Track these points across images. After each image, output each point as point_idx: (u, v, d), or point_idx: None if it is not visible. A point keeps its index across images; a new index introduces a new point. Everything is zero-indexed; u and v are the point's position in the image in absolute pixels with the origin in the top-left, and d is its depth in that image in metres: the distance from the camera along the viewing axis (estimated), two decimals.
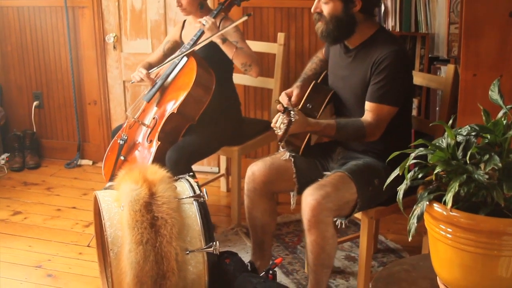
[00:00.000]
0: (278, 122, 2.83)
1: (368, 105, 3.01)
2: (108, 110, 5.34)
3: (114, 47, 5.15)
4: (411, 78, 3.13)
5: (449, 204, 1.65)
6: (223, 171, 4.80)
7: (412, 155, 1.81)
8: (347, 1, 2.98)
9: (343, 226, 3.10)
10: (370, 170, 3.03)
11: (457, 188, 1.65)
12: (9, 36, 5.42)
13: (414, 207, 1.77)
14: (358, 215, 3.15)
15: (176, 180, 3.19)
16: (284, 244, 3.92)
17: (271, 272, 3.11)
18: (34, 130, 5.53)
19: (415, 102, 4.01)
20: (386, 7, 4.02)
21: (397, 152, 1.92)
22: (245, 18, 3.64)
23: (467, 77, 2.78)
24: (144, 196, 2.88)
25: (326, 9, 3.02)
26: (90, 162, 5.44)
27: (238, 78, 4.30)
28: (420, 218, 1.75)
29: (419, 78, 3.43)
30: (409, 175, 1.82)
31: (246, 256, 3.57)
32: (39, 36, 5.35)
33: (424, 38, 4.02)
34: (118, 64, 5.19)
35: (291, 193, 3.24)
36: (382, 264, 3.66)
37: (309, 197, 2.87)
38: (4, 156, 5.39)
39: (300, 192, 3.21)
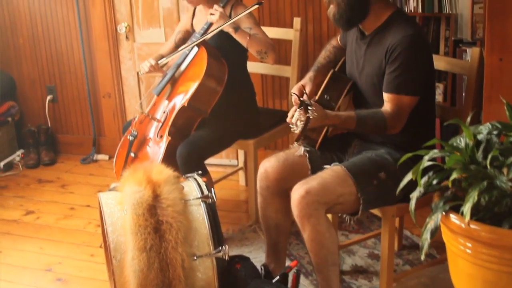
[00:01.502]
0: (294, 118, 2.61)
1: (386, 96, 2.81)
2: (123, 102, 5.18)
3: (127, 37, 4.97)
4: (430, 63, 2.91)
5: (467, 217, 1.43)
6: (241, 164, 4.61)
7: (426, 157, 1.59)
8: None
9: (352, 222, 2.91)
10: (376, 164, 2.82)
11: (476, 198, 1.43)
12: (20, 28, 5.27)
13: (427, 219, 1.56)
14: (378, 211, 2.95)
15: (183, 180, 3.02)
16: (303, 242, 3.70)
17: (295, 271, 2.91)
18: (49, 125, 5.38)
19: (440, 87, 3.80)
20: None
21: (409, 155, 1.71)
22: (255, 6, 3.42)
23: (492, 62, 2.57)
24: (147, 198, 2.71)
25: None
26: (107, 157, 5.27)
27: (254, 67, 4.10)
28: (434, 232, 1.53)
29: (442, 63, 3.20)
30: (422, 181, 1.60)
31: (264, 256, 3.38)
32: (50, 28, 5.19)
33: (448, 19, 3.79)
34: (131, 55, 5.02)
35: None
36: (407, 262, 3.44)
37: (294, 192, 2.73)
38: (19, 152, 5.24)
39: None
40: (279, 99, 4.64)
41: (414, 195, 1.60)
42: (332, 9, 2.86)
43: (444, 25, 3.85)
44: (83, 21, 5.06)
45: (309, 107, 2.55)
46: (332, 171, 2.77)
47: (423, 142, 2.98)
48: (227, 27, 3.51)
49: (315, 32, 4.42)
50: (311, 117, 2.53)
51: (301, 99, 2.66)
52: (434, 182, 1.58)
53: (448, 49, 3.84)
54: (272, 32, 4.04)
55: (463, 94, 3.57)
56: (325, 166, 2.85)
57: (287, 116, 4.05)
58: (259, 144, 3.91)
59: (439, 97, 3.81)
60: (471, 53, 3.02)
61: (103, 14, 4.96)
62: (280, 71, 4.13)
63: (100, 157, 5.30)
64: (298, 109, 2.60)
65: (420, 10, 3.79)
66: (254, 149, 3.84)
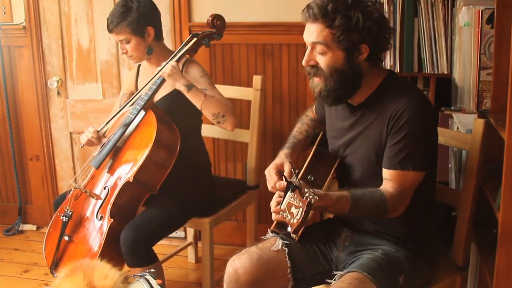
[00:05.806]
0: (284, 204, 2.09)
1: (387, 173, 2.34)
2: (53, 166, 4.60)
3: (58, 93, 4.40)
4: (436, 132, 2.48)
5: None
6: (190, 238, 4.06)
7: None
8: (350, 49, 2.29)
9: None
10: (393, 265, 2.35)
11: None
12: None
13: None
14: None
15: (132, 280, 2.47)
16: None
17: None
18: None
19: None
20: None
21: None
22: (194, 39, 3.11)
23: None
24: None
25: (323, 61, 2.31)
26: (34, 227, 4.69)
27: (206, 130, 3.57)
28: None
29: None
30: None
31: None
32: None
33: (428, 80, 3.37)
34: (63, 113, 4.46)
35: None
36: None
37: None
38: None
39: None
40: (232, 164, 4.13)
41: None
42: (317, 84, 2.37)
43: (422, 86, 3.44)
44: (7, 73, 4.49)
45: (306, 190, 2.04)
46: (357, 280, 2.25)
47: (425, 232, 2.55)
48: (179, 85, 3.04)
49: (275, 90, 3.94)
50: (312, 201, 2.00)
51: (289, 180, 2.15)
52: None
53: None
54: (228, 92, 3.57)
55: (450, 165, 3.13)
56: (336, 272, 2.37)
57: (245, 187, 3.61)
58: (216, 222, 3.37)
59: None
60: (474, 125, 2.58)
61: (31, 66, 4.41)
62: (236, 135, 3.63)
63: (27, 227, 4.71)
64: (290, 193, 2.09)
65: (397, 69, 3.36)
66: (210, 228, 3.31)
